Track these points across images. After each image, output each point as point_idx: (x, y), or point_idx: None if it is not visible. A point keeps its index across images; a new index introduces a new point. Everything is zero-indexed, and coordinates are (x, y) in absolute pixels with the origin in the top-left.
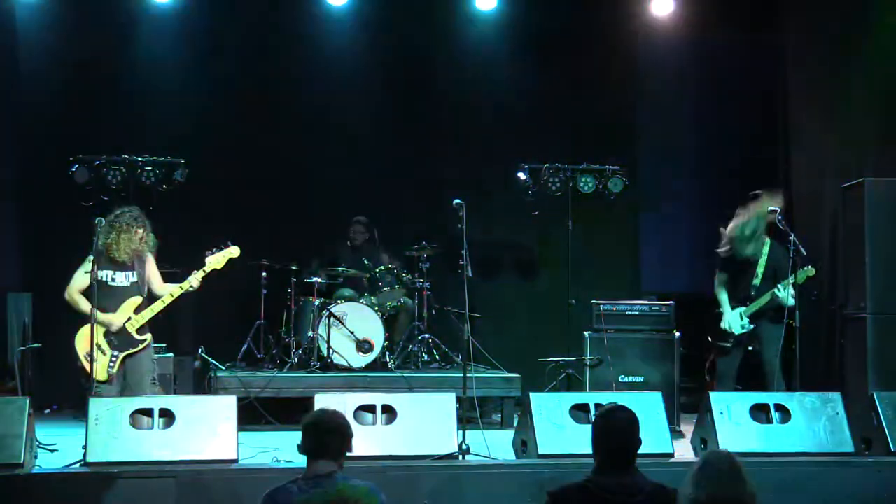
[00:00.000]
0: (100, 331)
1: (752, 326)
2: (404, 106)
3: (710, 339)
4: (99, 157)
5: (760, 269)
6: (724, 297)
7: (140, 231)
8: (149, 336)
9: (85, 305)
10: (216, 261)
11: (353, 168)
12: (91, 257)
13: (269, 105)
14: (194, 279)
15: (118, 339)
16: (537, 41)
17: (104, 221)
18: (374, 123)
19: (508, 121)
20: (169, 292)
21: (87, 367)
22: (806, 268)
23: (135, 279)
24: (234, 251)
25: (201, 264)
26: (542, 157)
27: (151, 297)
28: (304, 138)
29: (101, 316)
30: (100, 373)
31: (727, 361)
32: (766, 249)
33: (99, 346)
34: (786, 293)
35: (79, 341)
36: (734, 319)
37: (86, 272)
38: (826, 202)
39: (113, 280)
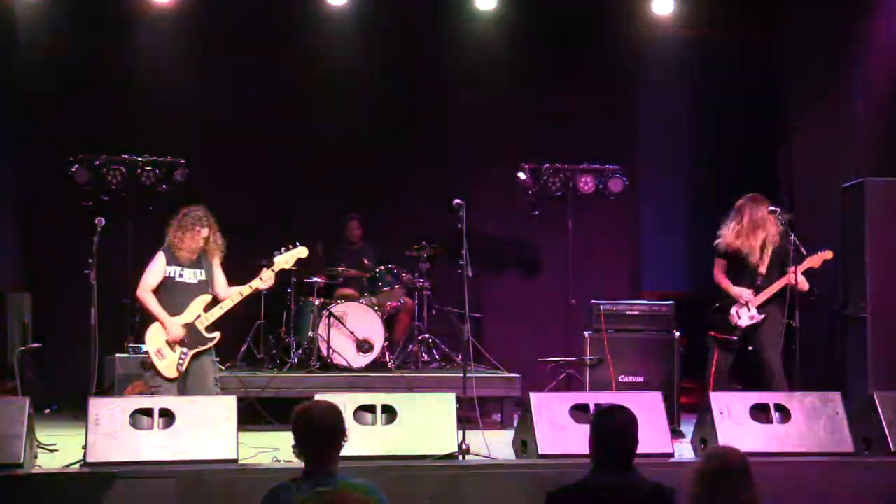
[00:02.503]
0: (163, 330)
1: (762, 316)
2: (404, 106)
3: (712, 334)
4: (99, 157)
5: (766, 258)
6: (727, 283)
7: (204, 231)
8: (217, 335)
9: (155, 306)
10: (284, 260)
11: (353, 168)
12: (162, 255)
13: (268, 105)
14: (266, 277)
15: (188, 336)
16: (537, 41)
17: (181, 219)
18: (374, 123)
19: (508, 121)
20: (238, 292)
21: (157, 364)
22: (822, 250)
23: (203, 277)
24: (302, 251)
25: (269, 263)
26: (542, 157)
27: (215, 298)
28: (304, 138)
29: (164, 316)
30: (169, 370)
31: (727, 358)
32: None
33: (168, 344)
34: (802, 278)
35: (149, 339)
36: (743, 309)
37: (157, 270)
38: (826, 202)
39: (181, 277)
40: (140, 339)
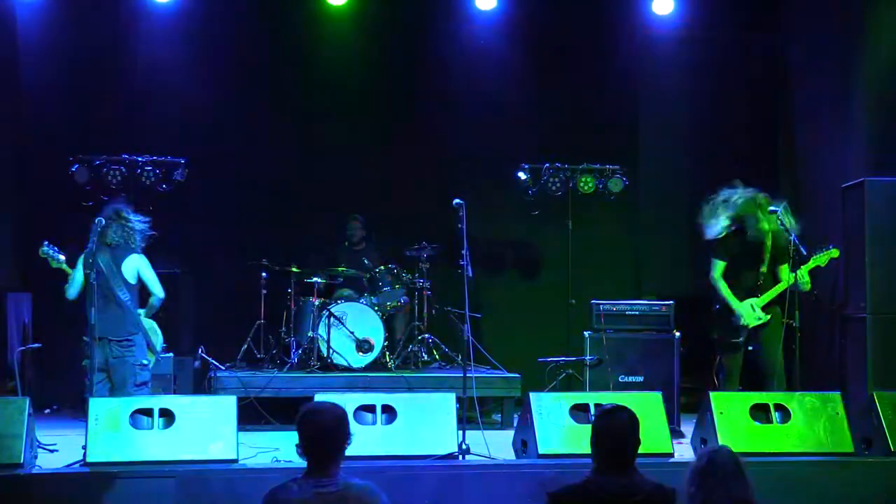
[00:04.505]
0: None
1: (768, 317)
2: (404, 106)
3: (716, 337)
4: (99, 157)
5: (767, 255)
6: (726, 287)
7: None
8: None
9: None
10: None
11: (352, 168)
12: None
13: (268, 105)
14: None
15: None
16: (537, 41)
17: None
18: (373, 123)
19: (508, 121)
20: None
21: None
22: (829, 248)
23: None
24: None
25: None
26: (542, 157)
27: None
28: (304, 138)
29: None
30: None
31: (735, 360)
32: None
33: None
34: (807, 277)
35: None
36: (748, 312)
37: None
38: (826, 202)
39: None
40: None
